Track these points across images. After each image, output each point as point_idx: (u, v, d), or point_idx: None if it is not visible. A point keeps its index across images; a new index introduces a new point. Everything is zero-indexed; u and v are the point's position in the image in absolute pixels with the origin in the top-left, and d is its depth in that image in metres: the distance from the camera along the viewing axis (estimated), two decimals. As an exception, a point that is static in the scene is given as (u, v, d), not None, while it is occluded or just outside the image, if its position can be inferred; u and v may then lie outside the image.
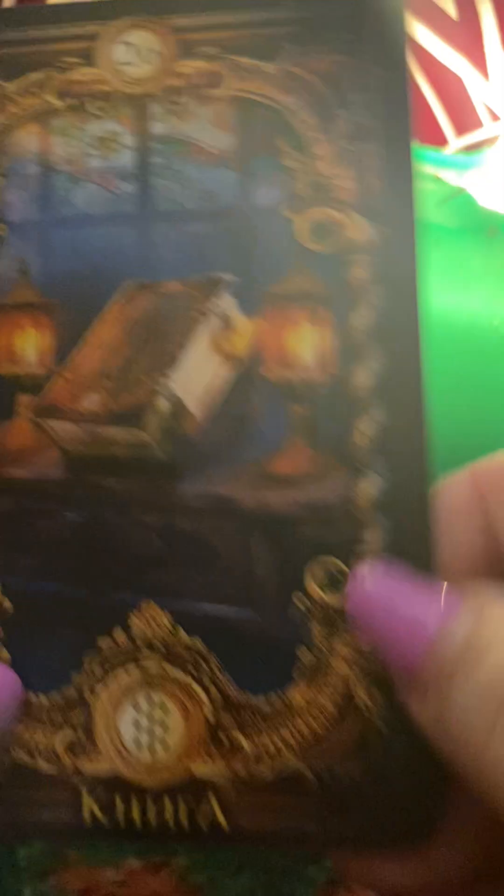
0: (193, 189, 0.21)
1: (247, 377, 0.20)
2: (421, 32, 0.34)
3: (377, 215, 0.20)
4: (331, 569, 0.20)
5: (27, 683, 0.20)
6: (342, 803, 0.19)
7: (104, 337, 0.21)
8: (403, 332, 0.20)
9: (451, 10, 0.34)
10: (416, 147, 0.20)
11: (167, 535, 0.20)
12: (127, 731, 0.20)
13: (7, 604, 0.20)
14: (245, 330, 0.20)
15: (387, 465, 0.20)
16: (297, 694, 0.20)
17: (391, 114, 0.20)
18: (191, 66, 0.21)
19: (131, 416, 0.21)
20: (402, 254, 0.20)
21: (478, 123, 0.35)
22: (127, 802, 0.20)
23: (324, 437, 0.20)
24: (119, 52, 0.21)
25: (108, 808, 0.20)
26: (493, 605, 0.16)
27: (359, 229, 0.20)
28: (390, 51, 0.20)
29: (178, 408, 0.20)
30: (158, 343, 0.21)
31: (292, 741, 0.19)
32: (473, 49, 0.35)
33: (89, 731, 0.20)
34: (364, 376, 0.20)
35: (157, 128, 0.21)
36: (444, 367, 0.25)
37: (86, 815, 0.20)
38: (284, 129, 0.21)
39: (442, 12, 0.34)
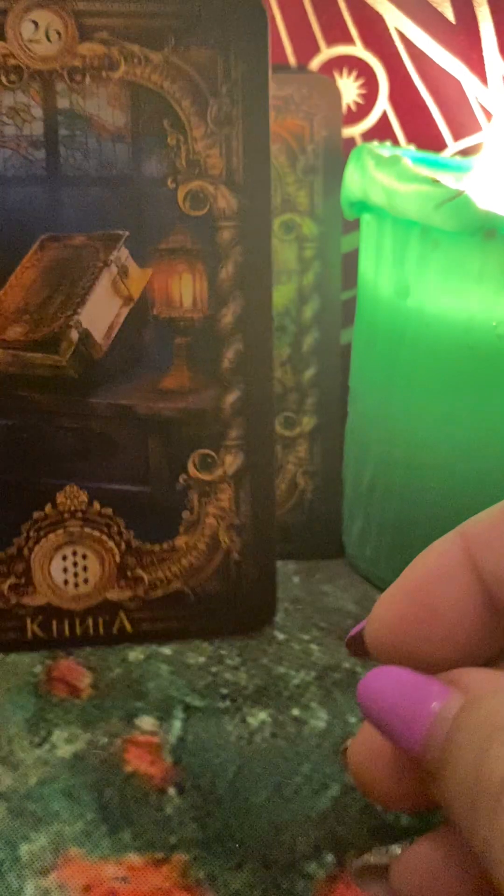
0: (94, 159, 0.26)
1: (140, 315, 0.27)
2: (419, 36, 0.34)
3: (239, 189, 0.26)
4: (205, 456, 0.28)
5: (-23, 547, 0.27)
6: (209, 608, 0.28)
7: (24, 280, 0.26)
8: (258, 283, 0.27)
9: (449, 14, 0.33)
10: (268, 132, 0.26)
11: (82, 435, 0.27)
12: (58, 575, 0.28)
13: (-44, 488, 0.27)
14: (139, 277, 0.26)
15: (243, 381, 0.27)
16: (181, 541, 0.28)
17: (251, 103, 0.26)
18: (89, 48, 0.25)
19: (49, 344, 0.26)
20: (258, 221, 0.27)
21: (476, 127, 0.35)
22: (60, 622, 0.28)
23: (200, 361, 0.27)
24: (27, 30, 0.25)
25: (45, 627, 0.28)
26: (475, 695, 0.15)
27: (226, 200, 0.26)
28: (253, 49, 0.26)
29: (87, 338, 0.26)
30: (69, 286, 0.26)
31: (177, 571, 0.28)
32: (471, 53, 0.34)
33: (28, 577, 0.27)
34: (228, 316, 0.27)
35: (63, 103, 0.25)
36: (443, 368, 0.29)
37: (29, 634, 0.28)
38: (168, 112, 0.26)
39: (440, 16, 0.33)
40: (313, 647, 0.30)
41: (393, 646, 0.17)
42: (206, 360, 0.27)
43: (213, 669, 0.28)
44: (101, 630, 0.28)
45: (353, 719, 0.27)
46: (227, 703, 0.27)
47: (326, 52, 0.34)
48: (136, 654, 0.29)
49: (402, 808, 0.22)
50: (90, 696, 0.27)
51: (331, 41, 0.34)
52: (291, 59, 0.34)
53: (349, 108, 0.35)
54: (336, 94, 0.32)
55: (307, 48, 0.34)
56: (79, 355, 0.26)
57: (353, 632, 0.19)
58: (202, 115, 0.26)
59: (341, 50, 0.34)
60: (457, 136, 0.35)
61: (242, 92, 0.26)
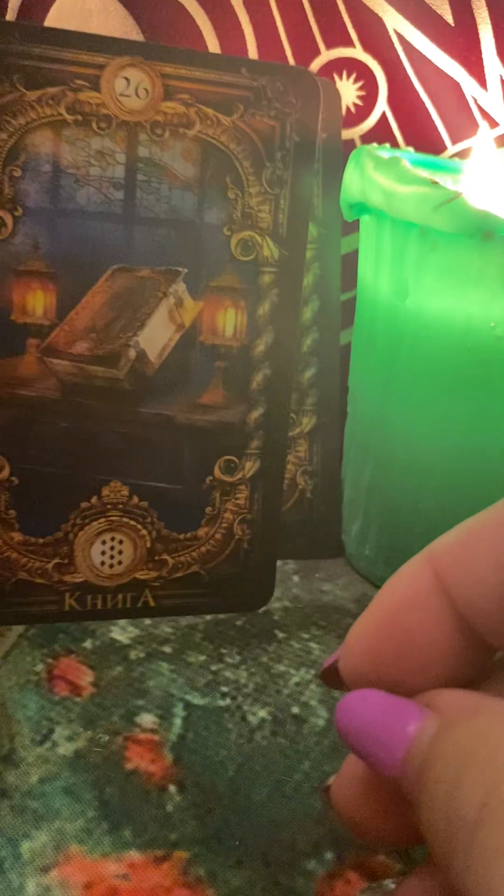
0: (165, 203, 0.29)
1: (189, 340, 0.31)
2: (418, 39, 0.33)
3: (281, 241, 0.31)
4: (229, 461, 0.32)
5: (28, 531, 0.31)
6: (220, 588, 0.34)
7: (94, 303, 0.30)
8: (287, 319, 0.32)
9: (448, 17, 0.33)
10: (312, 195, 0.31)
11: (129, 438, 0.31)
12: (96, 557, 0.32)
13: (15, 479, 0.30)
14: (192, 308, 0.31)
15: (267, 401, 0.32)
16: (202, 531, 0.33)
17: (299, 170, 0.30)
18: (171, 106, 0.29)
19: (110, 360, 0.30)
20: (294, 268, 0.31)
21: (474, 129, 0.35)
22: (94, 598, 0.32)
23: (233, 382, 0.32)
24: (120, 85, 0.28)
25: (81, 601, 0.32)
26: (450, 718, 0.15)
27: (269, 249, 0.31)
28: (306, 124, 0.30)
29: (142, 356, 0.30)
30: (132, 311, 0.30)
31: (196, 556, 0.33)
32: (470, 55, 0.34)
33: (71, 558, 0.31)
34: (261, 346, 0.32)
35: (143, 152, 0.29)
36: (441, 368, 0.29)
37: (66, 607, 0.32)
38: (231, 170, 0.30)
39: (439, 18, 0.33)
40: (313, 645, 0.31)
41: (368, 676, 0.17)
42: (239, 381, 0.32)
43: (214, 667, 0.29)
44: (129, 604, 0.33)
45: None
46: (228, 701, 0.27)
47: (326, 55, 0.34)
48: (136, 652, 0.30)
49: (391, 845, 0.21)
50: (91, 694, 0.27)
51: (330, 44, 0.34)
52: (291, 62, 0.34)
53: (349, 109, 0.35)
54: (335, 96, 0.32)
55: (307, 50, 0.34)
56: (134, 371, 0.30)
57: (326, 664, 0.19)
58: (258, 176, 0.30)
59: (341, 52, 0.34)
60: (455, 139, 0.35)
61: (293, 160, 0.30)
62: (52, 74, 0.27)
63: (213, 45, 0.32)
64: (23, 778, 0.24)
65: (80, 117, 0.28)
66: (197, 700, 0.27)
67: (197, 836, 0.23)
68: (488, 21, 0.34)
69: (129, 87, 0.28)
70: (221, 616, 0.32)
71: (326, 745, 0.26)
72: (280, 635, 0.31)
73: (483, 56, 0.34)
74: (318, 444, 0.34)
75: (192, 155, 0.29)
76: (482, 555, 0.17)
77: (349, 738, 0.16)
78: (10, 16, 0.30)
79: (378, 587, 0.32)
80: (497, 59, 0.34)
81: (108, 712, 0.27)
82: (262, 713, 0.27)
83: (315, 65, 0.34)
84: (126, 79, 0.28)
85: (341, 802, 0.18)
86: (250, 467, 0.33)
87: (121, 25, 0.30)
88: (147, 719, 0.27)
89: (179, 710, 0.27)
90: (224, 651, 0.30)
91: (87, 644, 0.31)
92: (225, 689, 0.28)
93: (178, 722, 0.27)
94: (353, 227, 0.33)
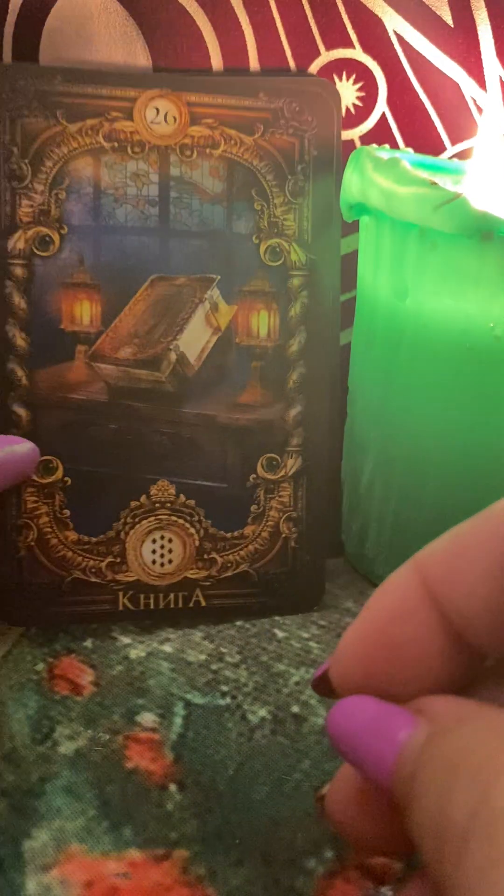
0: (197, 217, 0.32)
1: (226, 342, 0.33)
2: (417, 40, 0.33)
3: (307, 246, 0.33)
4: (271, 459, 0.34)
5: (82, 530, 0.32)
6: (269, 588, 0.34)
7: (136, 311, 0.32)
8: (320, 319, 0.33)
9: (448, 18, 0.33)
10: (334, 202, 0.33)
11: (174, 438, 0.33)
12: (147, 556, 0.33)
13: (68, 479, 0.32)
14: (226, 312, 0.33)
15: (304, 399, 0.34)
16: (249, 529, 0.34)
17: (320, 180, 0.33)
18: (197, 130, 0.32)
19: (152, 363, 0.32)
20: (322, 272, 0.33)
21: (473, 130, 0.34)
22: (146, 597, 0.33)
23: (270, 381, 0.33)
24: (150, 114, 0.31)
25: (134, 601, 0.33)
26: (440, 726, 0.15)
27: (297, 254, 0.33)
28: (323, 139, 0.33)
29: (183, 359, 0.33)
30: (172, 317, 0.32)
31: (244, 555, 0.34)
32: (469, 56, 0.34)
33: (123, 557, 0.33)
34: (295, 345, 0.33)
35: (174, 172, 0.32)
36: (441, 368, 0.29)
37: (120, 606, 0.33)
38: (256, 184, 0.32)
39: (438, 20, 0.33)
40: (312, 644, 0.31)
41: (358, 684, 0.17)
42: (276, 380, 0.33)
43: (214, 667, 0.29)
44: (181, 604, 0.33)
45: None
46: (228, 700, 0.27)
47: (326, 56, 0.34)
48: (137, 651, 0.30)
49: (385, 853, 0.21)
50: (92, 693, 0.28)
51: (330, 45, 0.34)
52: (291, 63, 0.34)
53: (348, 110, 0.34)
54: (336, 97, 0.32)
55: (307, 52, 0.34)
56: (176, 373, 0.32)
57: (318, 673, 0.19)
58: (282, 188, 0.33)
59: (340, 53, 0.34)
60: (455, 139, 0.35)
61: (313, 171, 0.33)
62: (90, 109, 0.31)
63: (213, 46, 0.32)
64: (23, 777, 0.24)
65: (116, 144, 0.31)
66: (197, 699, 0.28)
67: (197, 834, 0.23)
68: (488, 22, 0.33)
69: (158, 116, 0.31)
70: None
71: (326, 744, 0.26)
72: (280, 635, 0.31)
73: (482, 57, 0.34)
74: (302, 487, 0.34)
75: (218, 172, 0.32)
76: (471, 564, 0.17)
77: (340, 744, 0.16)
78: (11, 16, 0.31)
79: (378, 586, 0.33)
80: (496, 60, 0.34)
81: (108, 711, 0.27)
82: (263, 712, 0.27)
83: (315, 66, 0.34)
84: (156, 108, 0.31)
85: (335, 811, 0.18)
86: (292, 465, 0.34)
87: (121, 26, 0.31)
88: (147, 718, 0.27)
89: (180, 709, 0.27)
90: (224, 650, 0.30)
91: (88, 643, 0.31)
92: (225, 688, 0.28)
93: (178, 721, 0.27)
94: (353, 228, 0.34)
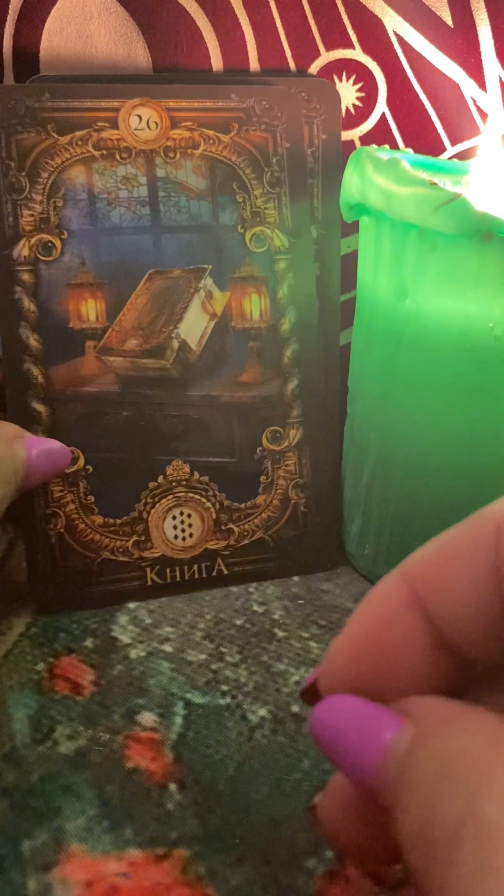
0: (185, 213, 0.34)
1: (222, 326, 0.35)
2: (417, 40, 0.33)
3: (289, 231, 0.36)
4: (275, 431, 0.36)
5: (107, 514, 0.35)
6: (285, 552, 0.37)
7: (137, 304, 0.34)
8: (306, 298, 0.36)
9: (448, 18, 0.33)
10: (308, 190, 0.36)
11: (183, 420, 0.35)
12: (169, 532, 0.35)
13: (89, 467, 0.34)
14: (220, 299, 0.35)
15: (300, 373, 0.36)
16: (260, 499, 0.36)
17: (294, 170, 0.36)
18: (178, 133, 0.34)
19: (157, 352, 0.35)
20: (303, 255, 0.36)
21: (473, 130, 0.35)
22: (172, 570, 0.35)
23: (267, 359, 0.36)
24: (134, 121, 0.34)
25: (161, 575, 0.35)
26: (426, 727, 0.15)
27: (280, 240, 0.36)
28: (292, 133, 0.35)
29: (185, 346, 0.35)
30: (171, 307, 0.35)
31: (259, 523, 0.36)
32: (469, 57, 0.34)
33: (147, 535, 0.35)
34: (286, 324, 0.36)
35: (160, 173, 0.34)
36: (441, 368, 0.29)
37: (149, 581, 0.35)
38: (236, 178, 0.35)
39: (438, 20, 0.33)
40: (312, 644, 0.30)
41: (348, 693, 0.17)
42: (272, 357, 0.36)
43: (214, 666, 0.29)
44: (204, 574, 0.36)
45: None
46: (228, 699, 0.27)
47: (326, 56, 0.34)
48: (137, 651, 0.30)
49: (380, 863, 0.21)
50: (92, 693, 0.27)
51: (330, 45, 0.34)
52: (291, 64, 0.34)
53: (348, 111, 0.35)
54: (336, 98, 0.33)
55: (307, 52, 0.34)
56: (179, 359, 0.35)
57: (306, 682, 0.18)
58: (260, 180, 0.35)
59: (340, 54, 0.34)
60: (454, 140, 0.35)
61: (287, 163, 0.35)
62: (78, 121, 0.33)
63: (214, 47, 0.33)
64: (24, 776, 0.24)
65: (105, 152, 0.33)
66: (197, 699, 0.27)
67: (197, 834, 0.23)
68: (487, 22, 0.33)
69: (141, 123, 0.34)
70: (222, 615, 0.33)
71: None
72: (280, 634, 0.31)
73: (482, 57, 0.34)
74: (306, 455, 0.35)
75: (201, 170, 0.34)
76: (458, 573, 0.16)
77: (323, 743, 0.16)
78: (11, 16, 0.31)
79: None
80: (496, 61, 0.34)
81: (108, 711, 0.27)
82: (262, 712, 0.27)
83: (315, 66, 0.34)
84: (138, 116, 0.34)
85: (327, 821, 0.18)
86: (294, 435, 0.36)
87: (121, 27, 0.31)
88: (147, 718, 0.27)
89: (180, 709, 0.27)
90: (224, 650, 0.30)
91: (88, 643, 0.31)
92: (225, 687, 0.28)
93: (178, 720, 0.27)
94: (352, 228, 0.34)
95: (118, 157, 0.34)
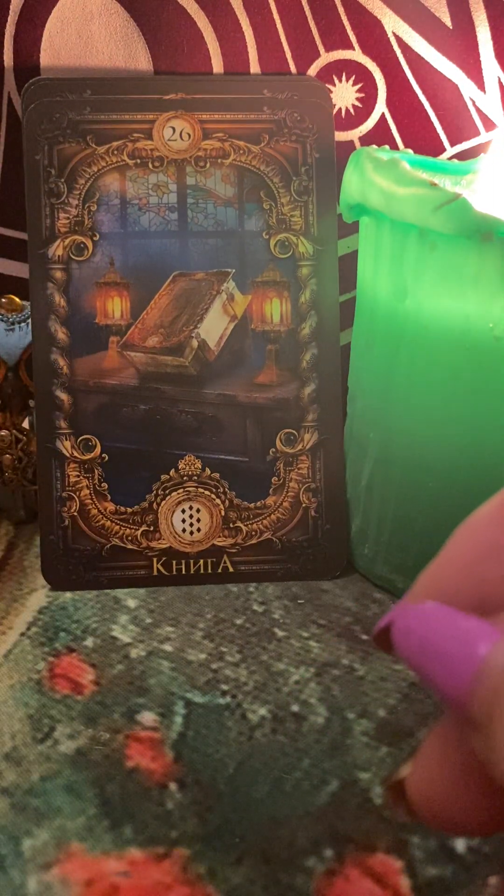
0: (212, 219, 0.36)
1: (242, 328, 0.36)
2: (416, 41, 0.33)
3: (313, 239, 0.36)
4: (289, 434, 0.37)
5: (119, 501, 0.36)
6: (292, 555, 0.37)
7: (160, 304, 0.36)
8: (327, 305, 0.36)
9: (447, 19, 0.33)
10: (335, 199, 0.36)
11: (198, 417, 0.36)
12: (178, 524, 0.36)
13: (105, 456, 0.36)
14: (242, 301, 0.36)
15: (318, 378, 0.37)
16: (270, 500, 0.37)
17: (321, 180, 0.36)
18: (209, 144, 0.36)
19: (177, 350, 0.36)
20: (327, 262, 0.36)
21: (473, 131, 0.35)
22: (178, 563, 0.36)
23: (285, 362, 0.36)
24: (167, 132, 0.36)
25: (167, 566, 0.36)
26: None
27: (304, 246, 0.36)
28: (322, 143, 0.36)
29: (204, 345, 0.36)
30: (192, 308, 0.36)
31: (268, 524, 0.37)
32: (468, 57, 0.34)
33: (156, 525, 0.36)
34: (306, 329, 0.37)
35: (190, 181, 0.36)
36: (440, 368, 0.29)
37: (155, 571, 0.36)
38: (264, 186, 0.36)
39: (437, 21, 0.33)
40: (312, 643, 0.30)
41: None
42: (290, 361, 0.36)
43: (214, 666, 0.29)
44: (210, 570, 0.36)
45: (351, 715, 0.27)
46: (228, 699, 0.27)
47: (325, 57, 0.34)
48: (137, 650, 0.30)
49: (473, 835, 0.20)
50: (92, 692, 0.28)
51: (329, 46, 0.34)
52: (291, 65, 0.34)
53: (348, 111, 0.35)
54: (329, 101, 0.33)
55: (306, 53, 0.34)
56: (198, 358, 0.36)
57: (380, 624, 0.17)
58: (287, 188, 0.36)
59: (340, 55, 0.34)
60: (454, 140, 0.35)
61: (315, 172, 0.36)
62: (115, 132, 0.35)
63: (214, 48, 0.33)
64: (24, 776, 0.24)
65: (138, 161, 0.36)
66: (197, 698, 0.28)
67: (197, 833, 0.23)
68: (486, 23, 0.33)
69: (174, 134, 0.36)
70: (222, 615, 0.33)
71: (326, 742, 0.26)
72: (280, 634, 0.31)
73: (481, 58, 0.34)
74: (320, 460, 0.35)
75: (230, 178, 0.36)
76: None
77: (412, 654, 0.15)
78: (11, 16, 0.32)
79: (377, 585, 0.34)
80: (495, 62, 0.34)
81: (109, 710, 0.27)
82: (262, 711, 0.27)
83: (314, 67, 0.34)
84: (172, 128, 0.36)
85: (420, 797, 0.16)
86: (309, 439, 0.37)
87: (122, 28, 0.31)
88: (148, 717, 0.27)
89: (180, 708, 0.27)
90: (224, 649, 0.30)
91: (89, 642, 0.31)
92: (225, 687, 0.28)
93: (178, 720, 0.27)
94: (353, 228, 0.34)
95: (151, 165, 0.36)
